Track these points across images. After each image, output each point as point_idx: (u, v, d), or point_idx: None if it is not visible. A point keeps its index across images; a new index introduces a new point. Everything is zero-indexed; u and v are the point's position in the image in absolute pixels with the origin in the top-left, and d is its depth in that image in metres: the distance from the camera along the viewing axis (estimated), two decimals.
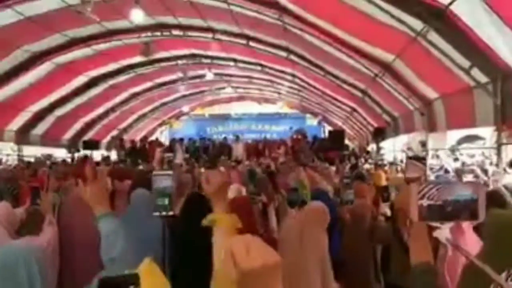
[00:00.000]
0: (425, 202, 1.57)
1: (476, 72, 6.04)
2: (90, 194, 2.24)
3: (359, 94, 12.64)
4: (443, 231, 1.73)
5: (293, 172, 9.08)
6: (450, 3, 5.22)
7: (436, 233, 1.69)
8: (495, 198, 4.07)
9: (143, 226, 3.65)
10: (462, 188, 1.61)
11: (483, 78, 6.05)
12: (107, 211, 2.23)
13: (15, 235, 3.38)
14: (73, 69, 13.68)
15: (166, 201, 2.60)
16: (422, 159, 2.42)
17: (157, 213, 2.62)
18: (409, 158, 2.97)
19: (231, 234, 1.87)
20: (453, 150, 13.21)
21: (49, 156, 14.59)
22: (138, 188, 4.21)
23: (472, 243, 3.51)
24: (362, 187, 5.56)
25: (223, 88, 21.97)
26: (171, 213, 2.63)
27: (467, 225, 3.67)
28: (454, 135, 12.95)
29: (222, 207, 1.97)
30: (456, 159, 11.82)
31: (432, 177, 9.03)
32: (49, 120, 15.31)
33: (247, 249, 0.95)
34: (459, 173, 7.79)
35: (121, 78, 15.96)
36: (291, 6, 8.91)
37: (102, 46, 12.88)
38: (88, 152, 17.44)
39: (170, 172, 2.72)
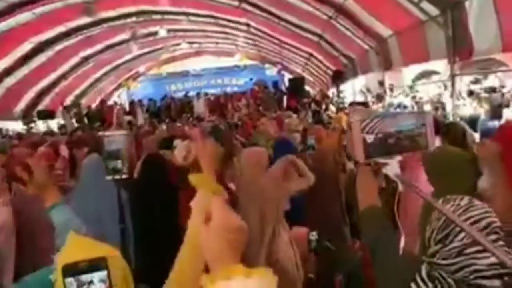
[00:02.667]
0: (368, 138, 1.48)
1: (426, 5, 6.01)
2: (33, 189, 2.05)
3: (315, 38, 12.52)
4: (393, 167, 1.67)
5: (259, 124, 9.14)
6: None
7: (385, 170, 1.63)
8: (454, 130, 4.14)
9: (97, 192, 3.54)
10: (406, 118, 1.53)
11: (433, 11, 6.03)
12: (56, 200, 2.03)
13: None
14: (16, 36, 12.91)
15: (119, 164, 2.45)
16: (364, 104, 2.37)
17: (110, 177, 2.47)
18: (351, 104, 2.94)
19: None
20: (410, 86, 13.40)
21: None
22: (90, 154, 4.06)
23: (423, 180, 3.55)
24: (319, 130, 5.57)
25: (178, 44, 21.38)
26: (124, 176, 2.48)
27: (417, 161, 3.71)
28: (410, 72, 13.08)
29: (212, 173, 1.91)
30: (414, 97, 12.00)
31: None
32: None
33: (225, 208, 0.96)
34: (419, 105, 7.85)
35: (69, 42, 15.21)
36: None
37: (43, 8, 12.17)
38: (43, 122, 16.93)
39: (122, 131, 2.54)
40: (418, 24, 6.74)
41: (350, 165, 5.18)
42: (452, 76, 5.85)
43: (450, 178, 2.38)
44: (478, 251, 1.22)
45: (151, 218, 4.01)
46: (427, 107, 8.91)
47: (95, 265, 1.22)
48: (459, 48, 5.55)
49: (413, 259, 1.51)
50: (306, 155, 5.50)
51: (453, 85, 5.96)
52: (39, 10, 12.10)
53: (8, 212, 3.43)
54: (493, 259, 1.20)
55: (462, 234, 1.25)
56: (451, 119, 5.73)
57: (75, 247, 1.39)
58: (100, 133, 2.51)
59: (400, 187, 2.03)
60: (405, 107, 9.43)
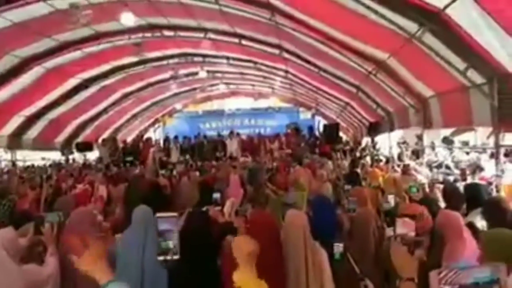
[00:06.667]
0: None
1: (472, 73, 6.01)
2: (87, 265, 2.04)
3: (353, 89, 12.59)
4: None
5: (292, 172, 9.16)
6: (446, 7, 5.17)
7: None
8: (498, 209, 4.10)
9: (147, 247, 3.62)
10: (481, 271, 1.59)
11: (479, 79, 6.02)
12: (109, 278, 2.00)
13: (20, 263, 3.32)
14: (64, 72, 13.56)
15: (170, 244, 2.51)
16: (411, 217, 2.44)
17: (161, 257, 2.52)
18: (398, 216, 3.01)
19: None
20: (448, 142, 13.24)
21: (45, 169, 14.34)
22: (140, 207, 4.09)
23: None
24: (363, 194, 5.46)
25: (216, 84, 21.88)
26: (176, 257, 2.53)
27: (468, 234, 3.67)
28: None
29: (250, 271, 1.99)
30: (451, 153, 11.84)
31: (434, 173, 8.98)
32: (42, 123, 15.20)
33: None
34: (464, 172, 7.72)
35: (113, 79, 15.83)
36: (282, 6, 8.82)
37: (93, 48, 12.76)
38: (81, 155, 17.40)
39: (175, 214, 2.60)
40: (461, 89, 6.72)
41: (388, 231, 5.12)
42: (497, 147, 5.78)
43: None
44: None
45: (193, 277, 4.04)
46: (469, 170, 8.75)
47: None
48: (505, 119, 5.51)
49: None
50: (346, 217, 5.42)
51: (497, 157, 5.88)
52: (89, 49, 12.65)
53: (56, 262, 3.50)
54: None
55: None
56: (494, 190, 5.61)
57: None
58: (158, 215, 2.57)
59: None
60: (447, 167, 9.29)
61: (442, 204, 5.54)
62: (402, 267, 1.92)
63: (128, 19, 9.99)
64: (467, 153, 11.81)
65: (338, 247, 4.21)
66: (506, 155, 12.99)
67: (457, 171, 8.54)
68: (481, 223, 4.12)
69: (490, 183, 6.58)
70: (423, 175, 7.77)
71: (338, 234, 5.11)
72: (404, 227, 2.28)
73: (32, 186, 8.33)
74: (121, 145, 19.95)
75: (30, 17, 9.66)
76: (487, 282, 1.56)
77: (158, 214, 2.57)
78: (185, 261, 4.08)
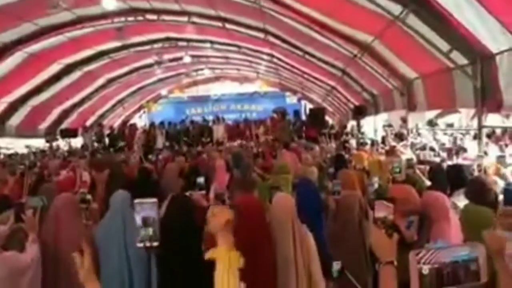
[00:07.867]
0: (424, 269, 1.57)
1: (455, 55, 6.04)
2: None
3: (338, 73, 12.60)
4: None
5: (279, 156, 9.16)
6: None
7: None
8: (480, 188, 4.15)
9: (128, 233, 3.60)
10: (460, 249, 1.60)
11: (462, 60, 6.06)
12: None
13: (0, 250, 3.30)
14: (46, 58, 13.28)
15: (150, 231, 2.44)
16: (389, 199, 2.43)
17: (141, 244, 2.46)
18: (376, 199, 3.00)
19: (232, 271, 1.93)
20: (431, 124, 13.34)
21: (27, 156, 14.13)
22: (118, 192, 4.05)
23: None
24: (350, 176, 5.45)
25: (201, 69, 21.72)
26: (155, 243, 2.46)
27: (453, 214, 3.71)
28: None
29: (227, 243, 2.00)
30: (435, 135, 11.94)
31: (420, 154, 9.04)
32: (25, 110, 14.93)
33: None
34: (450, 152, 7.77)
35: (96, 64, 15.59)
36: None
37: (75, 33, 12.52)
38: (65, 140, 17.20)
39: (154, 200, 2.52)
40: (445, 71, 6.76)
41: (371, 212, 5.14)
42: (480, 128, 5.83)
43: None
44: None
45: (176, 262, 4.04)
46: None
47: None
48: (488, 100, 5.56)
49: None
50: (330, 198, 5.44)
51: (480, 137, 5.94)
52: (71, 34, 12.44)
53: (37, 249, 3.48)
54: None
55: None
56: (476, 171, 5.66)
57: None
58: (136, 201, 2.50)
59: None
60: (432, 149, 9.35)
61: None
62: (380, 251, 1.95)
63: (109, 3, 9.81)
64: (451, 134, 11.91)
65: (337, 265, 4.20)
66: (488, 136, 13.17)
67: (442, 153, 8.61)
68: (464, 203, 4.17)
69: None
70: (408, 156, 7.80)
71: (324, 217, 5.16)
72: (383, 210, 2.27)
73: (12, 172, 8.20)
74: (107, 131, 19.77)
75: (10, 2, 9.43)
76: (465, 260, 1.57)
77: (136, 200, 2.49)
78: (168, 247, 4.11)
